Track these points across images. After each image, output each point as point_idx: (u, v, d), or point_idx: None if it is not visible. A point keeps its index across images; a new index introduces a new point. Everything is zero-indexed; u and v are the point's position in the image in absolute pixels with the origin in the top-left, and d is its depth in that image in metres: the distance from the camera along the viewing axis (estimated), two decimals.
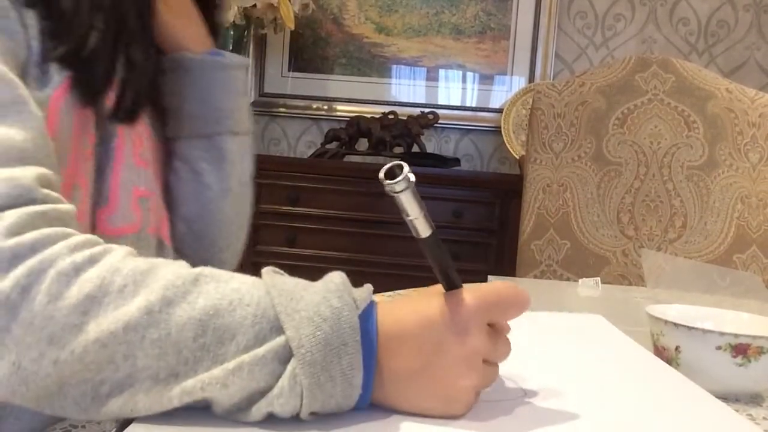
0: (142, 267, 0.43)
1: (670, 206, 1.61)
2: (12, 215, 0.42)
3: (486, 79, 2.59)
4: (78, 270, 0.41)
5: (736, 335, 0.56)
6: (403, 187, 0.41)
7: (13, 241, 0.41)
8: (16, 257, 0.40)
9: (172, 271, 0.43)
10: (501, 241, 2.18)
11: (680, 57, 2.17)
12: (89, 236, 0.45)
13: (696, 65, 1.69)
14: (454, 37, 2.57)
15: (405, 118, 2.39)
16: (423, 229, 0.44)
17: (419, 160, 2.32)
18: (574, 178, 1.63)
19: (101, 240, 0.45)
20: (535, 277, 1.60)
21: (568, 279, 1.58)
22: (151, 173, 0.67)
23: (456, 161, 2.46)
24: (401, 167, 0.41)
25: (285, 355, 0.41)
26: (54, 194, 0.46)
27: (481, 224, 2.22)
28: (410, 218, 0.43)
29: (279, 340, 0.41)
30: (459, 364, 0.44)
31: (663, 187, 1.62)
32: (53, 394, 0.41)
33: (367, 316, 0.43)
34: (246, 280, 0.44)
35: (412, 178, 0.41)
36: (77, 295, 0.40)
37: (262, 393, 0.41)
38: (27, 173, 0.44)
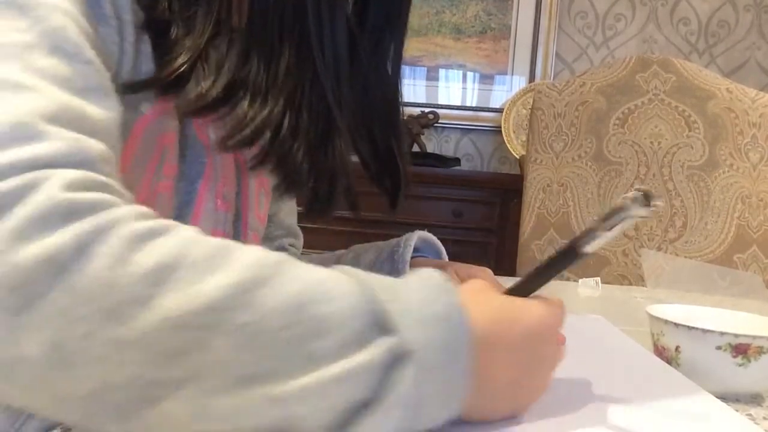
0: (222, 243, 0.36)
1: (671, 206, 1.61)
2: (73, 173, 0.34)
3: (486, 79, 2.59)
4: (149, 235, 0.34)
5: (736, 335, 0.56)
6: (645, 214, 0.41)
7: (71, 195, 0.33)
8: (74, 212, 0.33)
9: (256, 250, 0.36)
10: (501, 241, 2.18)
11: (681, 57, 2.17)
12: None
13: (696, 65, 1.69)
14: (454, 37, 2.57)
15: (405, 117, 2.39)
16: (592, 246, 0.43)
17: (419, 159, 2.32)
18: (575, 178, 1.63)
19: None
20: None
21: (568, 279, 1.58)
22: (231, 216, 0.62)
23: (456, 161, 2.46)
24: (650, 194, 0.40)
25: (395, 360, 0.35)
26: (117, 180, 0.39)
27: (481, 224, 2.22)
28: (603, 236, 0.42)
29: (389, 341, 0.35)
30: (549, 372, 0.46)
31: (663, 187, 1.62)
32: (92, 394, 0.32)
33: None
34: (330, 270, 0.38)
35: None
36: (148, 261, 0.33)
37: (366, 405, 0.34)
38: (96, 145, 0.38)
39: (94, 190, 0.35)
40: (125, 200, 0.37)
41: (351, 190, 0.67)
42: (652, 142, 1.63)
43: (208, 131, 0.56)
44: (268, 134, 0.54)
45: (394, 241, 0.74)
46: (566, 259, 0.45)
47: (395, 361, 0.35)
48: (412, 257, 0.72)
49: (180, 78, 0.50)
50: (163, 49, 0.50)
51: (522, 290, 0.47)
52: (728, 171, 1.60)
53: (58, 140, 0.36)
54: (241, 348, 0.33)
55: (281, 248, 0.83)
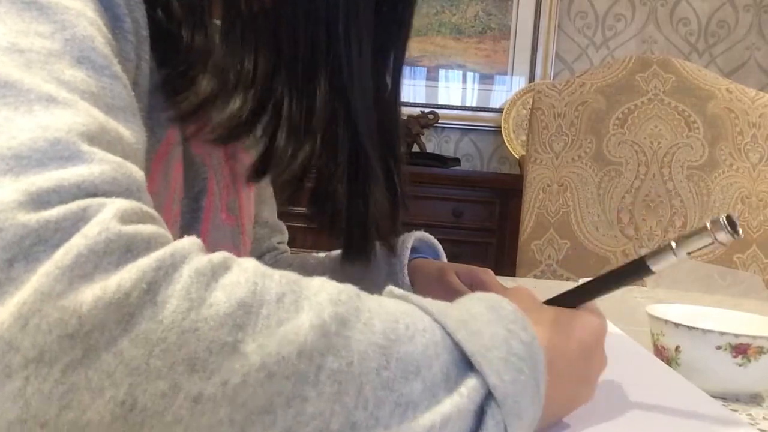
0: (289, 274, 0.33)
1: (670, 206, 1.61)
2: (126, 204, 0.30)
3: (486, 79, 2.59)
4: (218, 270, 0.30)
5: (736, 335, 0.56)
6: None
7: (127, 228, 0.29)
8: (134, 248, 0.28)
9: (325, 282, 0.33)
10: (501, 241, 2.18)
11: (680, 57, 2.17)
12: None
13: (696, 65, 1.69)
14: (454, 37, 2.57)
15: (405, 117, 2.39)
16: (662, 265, 0.43)
17: (419, 160, 2.32)
18: (574, 178, 1.63)
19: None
20: (535, 277, 1.60)
21: (568, 279, 1.58)
22: (236, 229, 0.62)
23: (456, 161, 2.46)
24: (735, 221, 0.39)
25: (484, 402, 0.33)
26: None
27: (481, 224, 2.22)
28: (676, 258, 0.41)
29: (472, 383, 0.33)
30: (596, 381, 0.46)
31: (663, 187, 1.62)
32: None
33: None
34: (398, 302, 0.35)
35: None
36: (228, 301, 0.28)
37: None
38: (137, 171, 0.34)
39: (146, 222, 0.31)
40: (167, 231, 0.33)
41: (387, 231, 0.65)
42: (651, 142, 1.63)
43: (204, 144, 0.55)
44: (312, 172, 0.52)
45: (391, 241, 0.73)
46: (633, 274, 0.44)
47: (484, 403, 0.33)
48: (410, 258, 0.71)
49: (208, 101, 0.47)
50: (179, 69, 0.47)
51: (570, 300, 0.46)
52: (728, 171, 1.60)
53: (103, 164, 0.31)
54: (335, 398, 0.29)
55: (271, 248, 0.82)
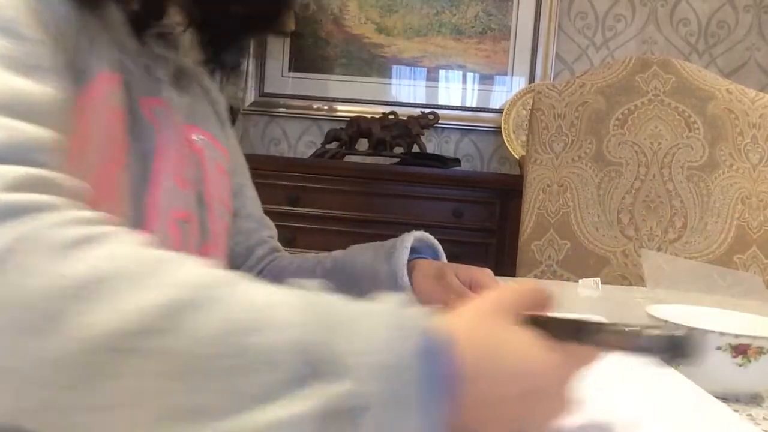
0: (162, 256, 0.34)
1: (671, 206, 1.61)
2: (12, 171, 0.33)
3: (486, 80, 2.59)
4: (80, 242, 0.32)
5: (736, 335, 0.56)
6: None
7: (6, 196, 0.32)
8: (5, 215, 0.32)
9: (200, 267, 0.34)
10: (501, 241, 2.18)
11: (680, 58, 2.17)
12: (102, 214, 0.36)
13: (696, 66, 1.69)
14: (454, 38, 2.57)
15: (405, 118, 2.39)
16: (657, 347, 0.39)
17: (419, 160, 2.32)
18: (575, 178, 1.63)
19: (117, 221, 0.36)
20: (535, 277, 1.60)
21: (568, 279, 1.58)
22: (193, 195, 0.62)
23: (456, 161, 2.46)
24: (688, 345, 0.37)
25: (338, 413, 0.31)
26: (63, 168, 0.37)
27: (481, 224, 2.22)
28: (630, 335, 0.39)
29: (332, 389, 0.31)
30: (546, 423, 0.39)
31: (663, 188, 1.62)
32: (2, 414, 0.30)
33: (440, 348, 0.34)
34: (287, 296, 0.34)
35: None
36: (73, 273, 0.31)
37: None
38: (34, 131, 0.36)
39: (31, 189, 0.33)
40: (67, 194, 0.35)
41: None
42: (652, 143, 1.63)
43: (155, 112, 0.57)
44: None
45: (390, 242, 0.73)
46: (588, 334, 0.40)
47: (338, 413, 0.30)
48: (410, 259, 0.71)
49: None
50: None
51: (561, 329, 0.40)
52: (728, 171, 1.60)
53: None
54: (165, 377, 0.30)
55: (261, 242, 0.82)
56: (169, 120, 0.59)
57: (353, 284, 0.72)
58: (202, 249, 0.63)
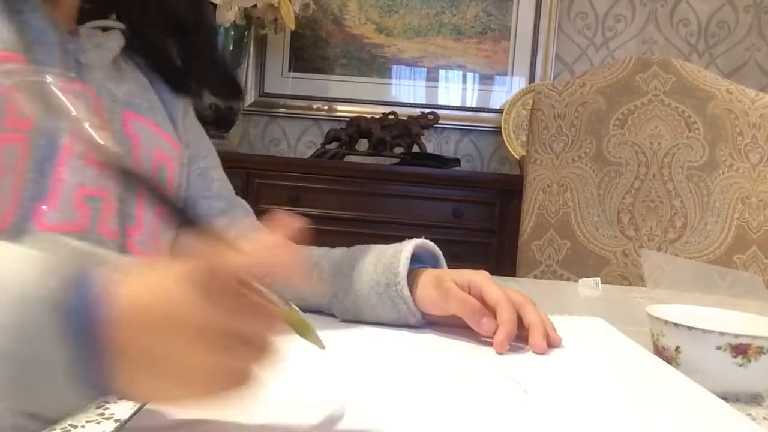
0: None
1: (671, 206, 1.61)
2: None
3: (486, 80, 2.59)
4: None
5: (736, 335, 0.56)
6: None
7: None
8: None
9: None
10: (501, 241, 2.18)
11: (681, 58, 2.17)
12: None
13: (696, 66, 1.69)
14: (454, 38, 2.57)
15: (405, 118, 2.39)
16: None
17: (419, 160, 2.32)
18: (575, 178, 1.63)
19: None
20: (535, 277, 1.60)
21: (568, 279, 1.58)
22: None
23: (456, 161, 2.46)
24: None
25: None
26: None
27: (481, 224, 2.22)
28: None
29: None
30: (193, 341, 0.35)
31: (663, 188, 1.62)
32: None
33: (86, 300, 0.33)
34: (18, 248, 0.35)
35: None
36: None
37: None
38: None
39: None
40: None
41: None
42: (652, 143, 1.63)
43: (75, 93, 0.58)
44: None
45: (391, 250, 0.73)
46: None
47: None
48: (410, 269, 0.70)
49: None
50: None
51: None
52: (728, 171, 1.60)
53: None
54: None
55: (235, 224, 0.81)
56: (95, 103, 0.63)
57: (353, 289, 0.71)
58: (123, 231, 0.66)
